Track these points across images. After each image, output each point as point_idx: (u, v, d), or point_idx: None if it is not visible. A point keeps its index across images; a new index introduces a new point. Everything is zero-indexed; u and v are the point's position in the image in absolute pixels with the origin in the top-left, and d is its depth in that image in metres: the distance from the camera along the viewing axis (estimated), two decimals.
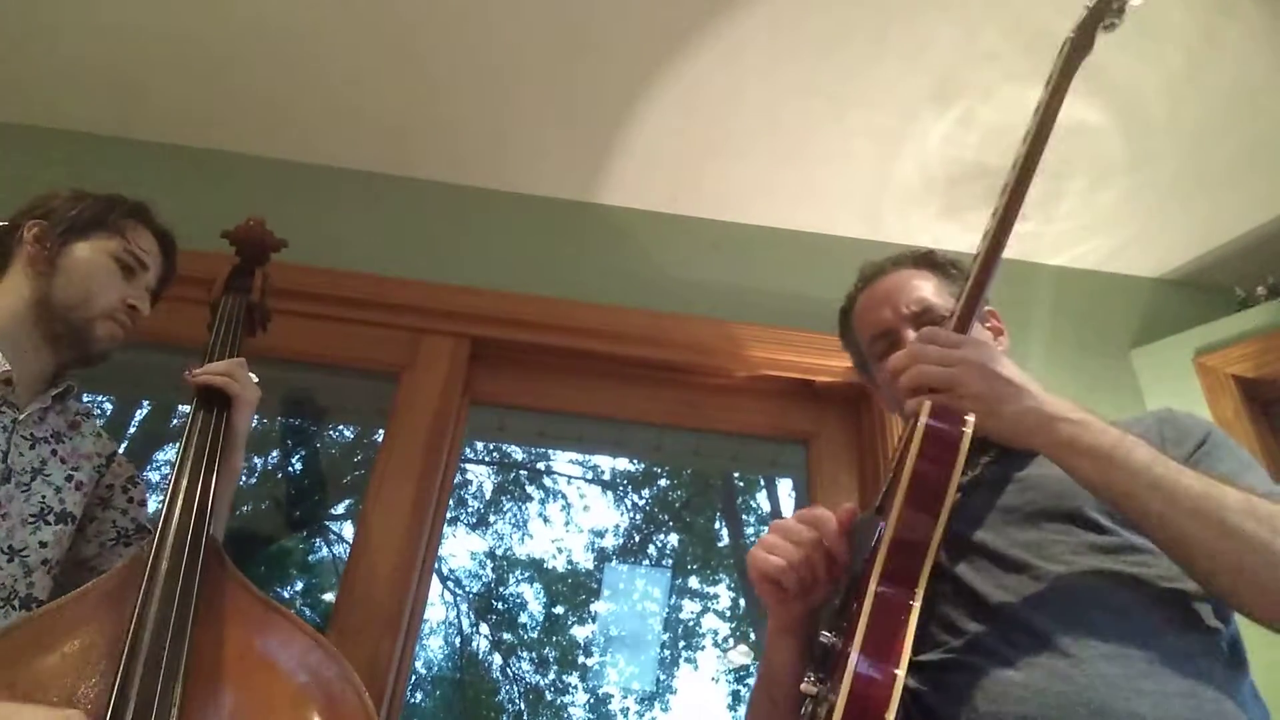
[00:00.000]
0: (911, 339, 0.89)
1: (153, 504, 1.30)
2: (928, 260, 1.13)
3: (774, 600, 0.89)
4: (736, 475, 2.84)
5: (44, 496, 1.10)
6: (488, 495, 2.91)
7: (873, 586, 0.75)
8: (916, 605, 0.74)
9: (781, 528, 0.89)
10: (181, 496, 1.06)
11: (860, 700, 0.68)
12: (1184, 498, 0.71)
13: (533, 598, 2.90)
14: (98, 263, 1.17)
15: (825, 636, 0.83)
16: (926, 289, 1.08)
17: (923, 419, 0.77)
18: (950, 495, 0.75)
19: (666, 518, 3.01)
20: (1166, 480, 0.72)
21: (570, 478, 2.94)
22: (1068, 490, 0.83)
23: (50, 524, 1.09)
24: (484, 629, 2.87)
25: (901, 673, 0.70)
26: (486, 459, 2.92)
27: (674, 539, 2.98)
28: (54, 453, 1.14)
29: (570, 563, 2.90)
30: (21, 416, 1.10)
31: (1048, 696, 0.71)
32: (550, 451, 2.90)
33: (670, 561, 2.94)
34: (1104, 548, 0.81)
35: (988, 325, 1.10)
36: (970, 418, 0.77)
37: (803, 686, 0.82)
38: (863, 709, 0.68)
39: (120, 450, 1.29)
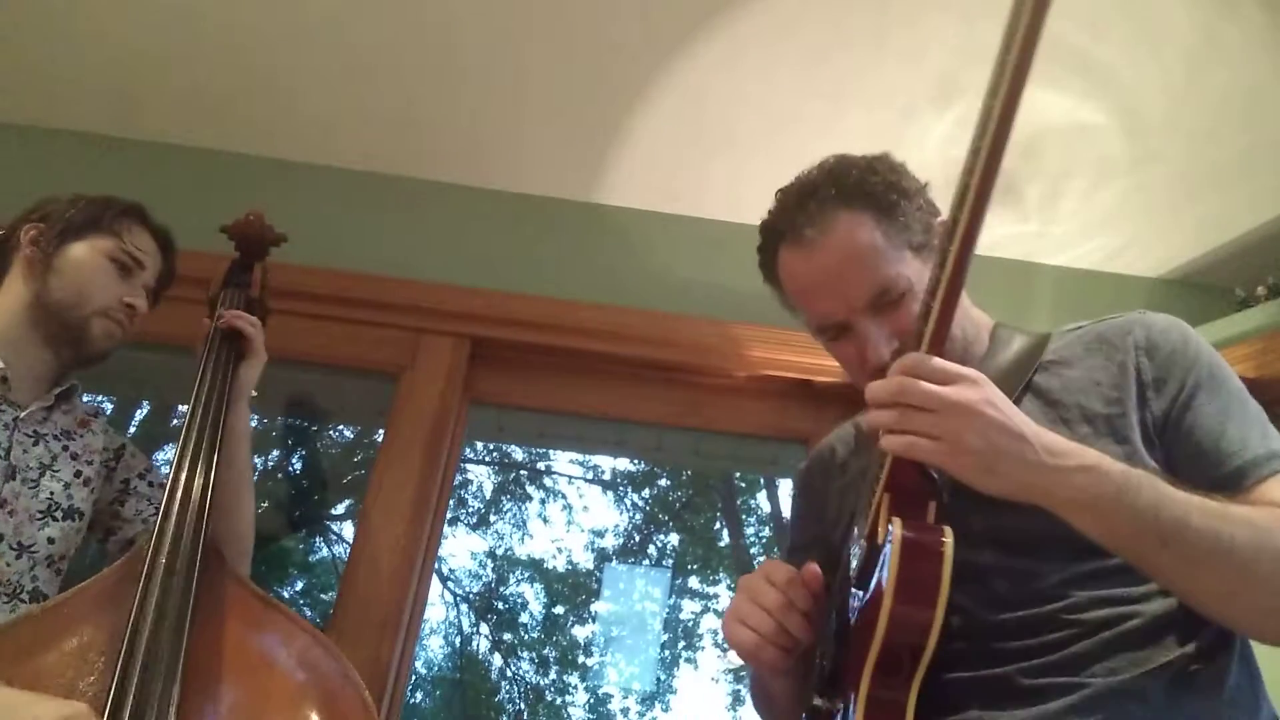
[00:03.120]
0: (892, 367, 0.72)
1: None
2: (863, 195, 0.90)
3: (753, 661, 0.85)
4: (736, 475, 2.85)
5: (52, 493, 1.11)
6: (488, 495, 2.92)
7: (864, 690, 0.71)
8: (913, 699, 0.71)
9: (751, 591, 0.82)
10: (180, 491, 1.06)
11: None
12: (1193, 547, 0.67)
13: (533, 598, 2.91)
14: (93, 262, 1.17)
15: (819, 701, 0.83)
16: (877, 259, 0.88)
17: (896, 533, 0.69)
18: (941, 607, 0.68)
19: (666, 518, 3.02)
20: (1173, 530, 0.67)
21: (570, 478, 2.94)
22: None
23: (58, 520, 1.11)
24: (484, 629, 2.87)
25: None
26: (486, 459, 2.93)
27: (674, 539, 2.99)
28: (65, 449, 1.15)
29: (570, 563, 2.90)
30: (23, 415, 1.11)
31: None
32: (550, 451, 2.91)
33: (670, 561, 2.95)
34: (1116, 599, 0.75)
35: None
36: (948, 538, 0.69)
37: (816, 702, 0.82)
38: None
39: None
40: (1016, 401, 0.77)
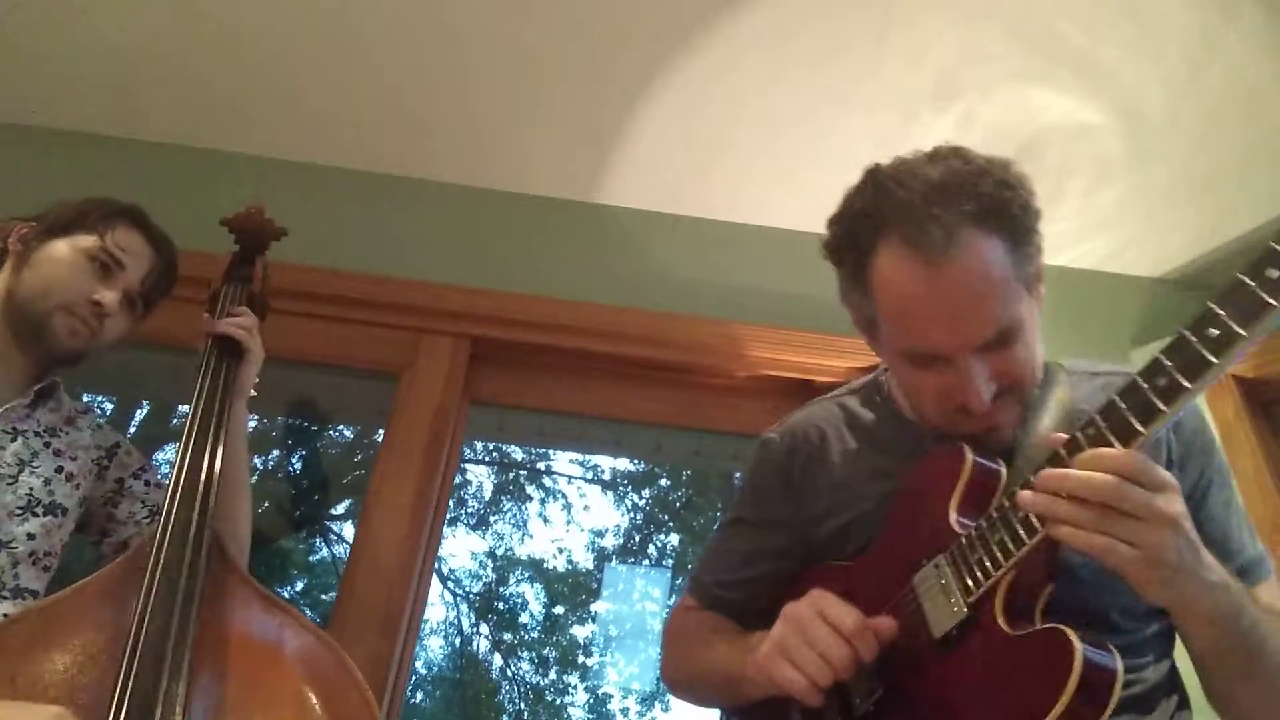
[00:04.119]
0: (1101, 458, 0.66)
1: None
2: (998, 216, 0.80)
3: (779, 692, 0.78)
4: (736, 475, 2.84)
5: (31, 489, 1.10)
6: (488, 495, 2.91)
7: None
8: None
9: (807, 633, 0.75)
10: (182, 490, 1.06)
11: None
12: (1262, 669, 0.73)
13: (533, 598, 2.91)
14: (66, 258, 1.16)
15: None
16: (1004, 295, 0.80)
17: (1077, 662, 0.64)
18: None
19: (666, 518, 3.01)
20: (1257, 652, 0.72)
21: (570, 478, 2.94)
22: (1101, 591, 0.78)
23: (38, 516, 1.10)
24: (484, 629, 2.87)
25: None
26: (486, 459, 2.93)
27: (674, 539, 2.98)
28: (47, 445, 1.14)
29: (570, 563, 2.90)
30: (1, 410, 1.11)
31: None
32: (550, 451, 2.91)
33: (670, 561, 2.94)
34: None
35: (1036, 294, 0.88)
36: (1119, 665, 0.66)
37: None
38: None
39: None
40: None
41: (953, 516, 0.79)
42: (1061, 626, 0.66)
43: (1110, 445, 0.66)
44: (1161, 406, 0.64)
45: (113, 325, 1.19)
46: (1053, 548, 0.71)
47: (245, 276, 1.36)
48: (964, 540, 0.76)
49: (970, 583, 0.73)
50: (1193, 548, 0.67)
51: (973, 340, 0.80)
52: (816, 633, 0.74)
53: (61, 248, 1.16)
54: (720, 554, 1.10)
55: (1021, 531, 0.70)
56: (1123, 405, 0.66)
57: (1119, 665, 0.65)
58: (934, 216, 0.79)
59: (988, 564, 0.72)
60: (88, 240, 1.17)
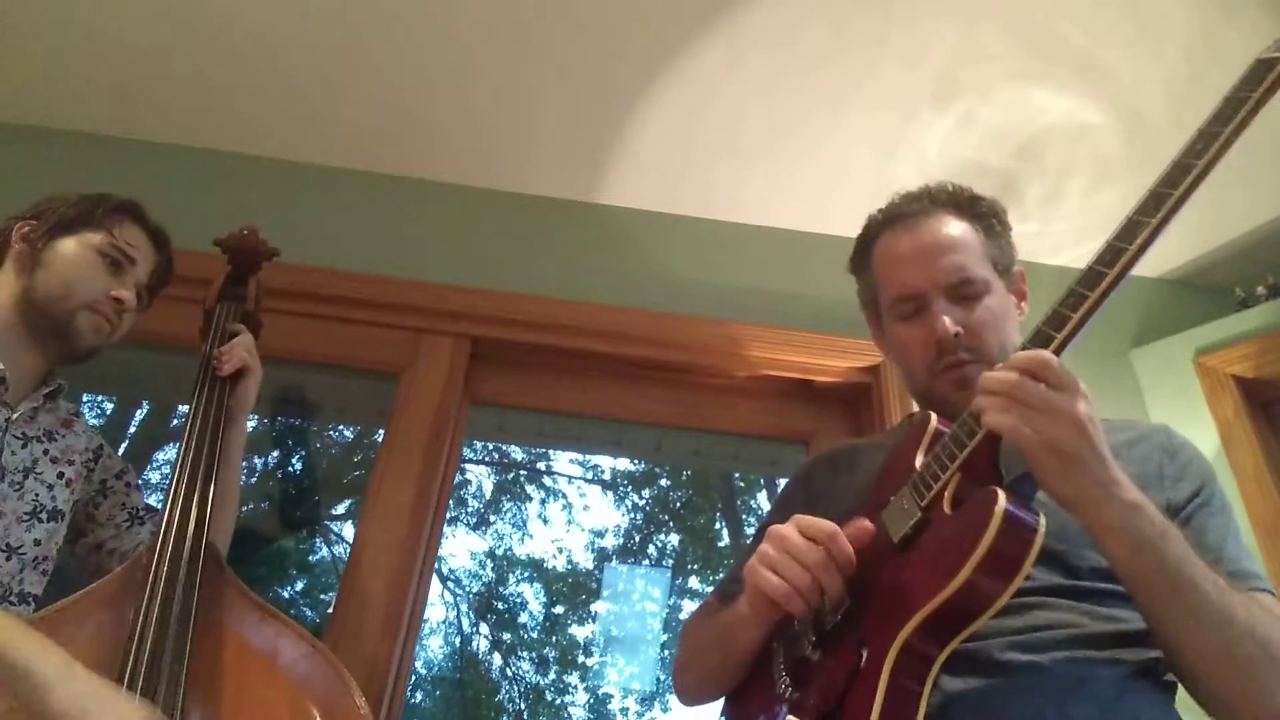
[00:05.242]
0: (1014, 358, 0.77)
1: (154, 504, 1.30)
2: (971, 207, 1.03)
3: (766, 615, 0.84)
4: (736, 475, 2.85)
5: (37, 495, 1.11)
6: (488, 495, 2.91)
7: (897, 646, 0.72)
8: (937, 668, 0.72)
9: (785, 543, 0.81)
10: (180, 502, 1.07)
11: None
12: (1197, 609, 0.73)
13: (533, 598, 2.91)
14: (80, 256, 1.16)
15: (814, 654, 0.82)
16: (969, 254, 0.99)
17: (1000, 504, 0.71)
18: (1015, 585, 0.70)
19: (666, 518, 3.02)
20: (1188, 584, 0.73)
21: (570, 478, 2.94)
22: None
23: (43, 521, 1.11)
24: (484, 629, 2.87)
25: None
26: (486, 459, 2.93)
27: (674, 539, 2.98)
28: (45, 452, 1.15)
29: (570, 563, 2.90)
30: (15, 415, 1.11)
31: None
32: (550, 451, 2.91)
33: (670, 561, 2.95)
34: (1084, 611, 0.81)
35: (1012, 289, 1.04)
36: (1042, 525, 0.71)
37: (775, 672, 0.81)
38: None
39: (120, 451, 1.31)
40: None
41: (918, 461, 0.86)
42: (993, 487, 0.73)
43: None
44: (1068, 313, 0.78)
45: (128, 319, 1.21)
46: (994, 449, 0.77)
47: (239, 296, 1.36)
48: (920, 469, 0.83)
49: (924, 489, 0.80)
50: (1097, 454, 0.73)
51: (939, 279, 0.97)
52: (794, 542, 0.81)
53: (72, 246, 1.17)
54: (738, 561, 1.13)
55: (963, 436, 0.78)
56: (1042, 323, 0.79)
57: (1042, 519, 0.71)
58: (912, 205, 1.04)
59: (938, 470, 0.80)
60: (96, 237, 1.18)
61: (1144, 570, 0.73)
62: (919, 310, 0.99)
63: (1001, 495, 0.71)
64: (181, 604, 0.96)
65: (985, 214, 1.03)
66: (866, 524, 0.82)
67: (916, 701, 0.71)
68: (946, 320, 0.95)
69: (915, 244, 1.01)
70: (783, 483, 1.24)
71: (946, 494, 0.78)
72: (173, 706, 0.88)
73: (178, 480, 1.09)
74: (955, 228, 1.01)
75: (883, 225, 1.06)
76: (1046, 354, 0.75)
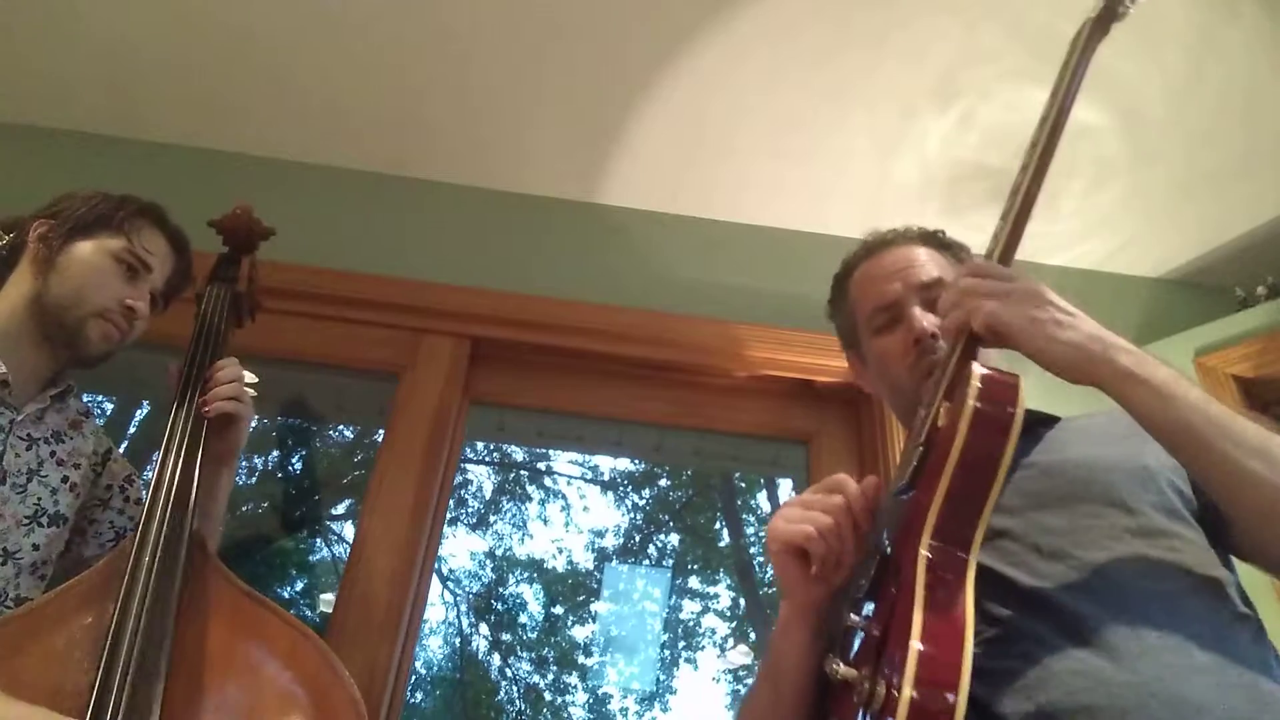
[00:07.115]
0: (961, 270, 0.84)
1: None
2: (935, 239, 1.12)
3: (796, 577, 0.83)
4: (736, 475, 2.84)
5: (39, 499, 1.09)
6: (488, 495, 2.91)
7: (923, 551, 0.69)
8: (973, 565, 0.69)
9: (801, 500, 0.84)
10: (164, 489, 1.05)
11: (927, 680, 0.61)
12: (1242, 435, 0.70)
13: (532, 598, 2.91)
14: (95, 262, 1.14)
15: (852, 619, 0.78)
16: (941, 267, 1.06)
17: (977, 371, 0.73)
18: (1009, 455, 0.70)
19: (666, 518, 3.01)
20: (1224, 417, 0.71)
21: (570, 478, 2.94)
22: (1093, 474, 0.83)
23: (44, 526, 1.09)
24: (484, 629, 2.87)
25: (969, 644, 0.64)
26: (486, 459, 2.93)
27: (674, 539, 2.98)
28: (52, 454, 1.13)
29: (570, 563, 2.90)
30: (19, 417, 1.09)
31: (1114, 687, 0.68)
32: (550, 451, 2.91)
33: (670, 561, 2.95)
34: (1138, 531, 0.78)
35: None
36: (1021, 380, 0.73)
37: (828, 666, 0.76)
38: (931, 688, 0.61)
39: (120, 450, 1.29)
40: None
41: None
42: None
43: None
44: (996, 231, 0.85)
45: (139, 327, 1.19)
46: (970, 361, 0.79)
47: (230, 277, 1.33)
48: (915, 421, 0.85)
49: (920, 429, 0.81)
50: (1063, 309, 0.77)
51: (912, 281, 1.03)
52: (804, 498, 0.85)
53: (88, 250, 1.14)
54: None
55: (943, 363, 0.81)
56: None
57: (1019, 377, 0.73)
58: (884, 239, 1.13)
59: (928, 405, 0.81)
60: (115, 243, 1.15)
61: (1176, 414, 0.72)
62: (895, 319, 1.03)
63: (975, 364, 0.75)
64: (163, 594, 0.95)
65: (953, 245, 1.12)
66: (874, 478, 0.84)
67: (961, 590, 0.68)
68: (923, 320, 0.99)
69: (888, 261, 1.09)
70: (783, 483, 1.24)
71: (940, 415, 0.79)
72: (153, 699, 0.87)
73: (161, 465, 1.08)
74: (924, 252, 1.09)
75: (857, 259, 1.15)
76: (980, 259, 0.83)
